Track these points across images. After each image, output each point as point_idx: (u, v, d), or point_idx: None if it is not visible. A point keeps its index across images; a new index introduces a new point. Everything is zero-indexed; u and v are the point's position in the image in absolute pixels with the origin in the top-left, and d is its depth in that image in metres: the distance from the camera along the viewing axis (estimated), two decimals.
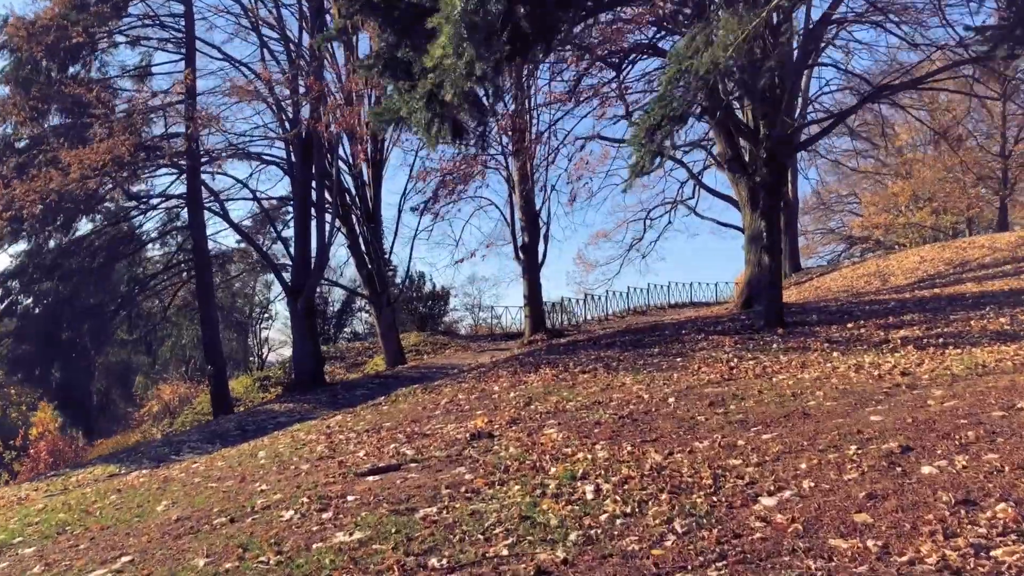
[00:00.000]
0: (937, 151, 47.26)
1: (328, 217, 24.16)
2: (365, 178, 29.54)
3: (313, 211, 23.49)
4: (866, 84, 23.47)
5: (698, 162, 38.92)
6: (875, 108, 33.52)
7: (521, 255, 27.10)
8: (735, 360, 11.66)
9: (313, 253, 22.45)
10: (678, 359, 12.65)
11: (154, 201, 25.51)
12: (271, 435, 13.32)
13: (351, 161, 30.07)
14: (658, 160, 12.51)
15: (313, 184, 23.66)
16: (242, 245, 54.02)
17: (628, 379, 11.34)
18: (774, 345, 12.66)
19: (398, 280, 37.77)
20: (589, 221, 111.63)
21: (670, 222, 39.54)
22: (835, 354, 11.13)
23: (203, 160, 23.93)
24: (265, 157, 25.55)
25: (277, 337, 60.26)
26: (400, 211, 30.40)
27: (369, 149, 27.63)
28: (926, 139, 49.69)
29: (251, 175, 35.89)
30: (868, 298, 19.36)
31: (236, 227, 25.34)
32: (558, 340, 22.80)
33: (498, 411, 10.36)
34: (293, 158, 22.92)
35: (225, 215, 23.99)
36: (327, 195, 24.86)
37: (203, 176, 23.76)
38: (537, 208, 27.96)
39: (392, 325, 30.08)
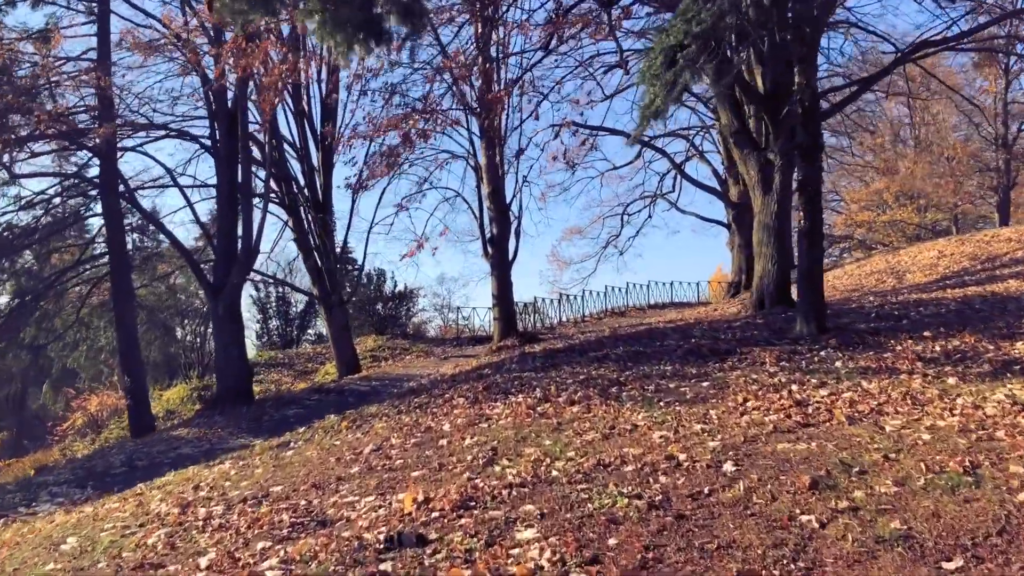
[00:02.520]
0: (921, 146, 44.19)
1: (260, 203, 19.95)
2: (314, 162, 25.40)
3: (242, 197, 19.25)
4: (890, 46, 19.74)
5: (679, 153, 35.36)
6: (859, 104, 30.17)
7: (489, 249, 23.07)
8: (794, 386, 7.76)
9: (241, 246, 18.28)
10: (705, 383, 8.71)
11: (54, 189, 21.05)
12: (121, 495, 9.11)
13: (296, 143, 25.91)
14: (674, 106, 8.69)
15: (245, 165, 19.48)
16: (200, 240, 49.55)
17: (640, 416, 7.38)
18: (837, 363, 8.78)
19: (360, 279, 33.61)
20: (563, 216, 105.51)
21: (650, 216, 35.87)
22: (950, 380, 7.26)
23: (120, 136, 19.63)
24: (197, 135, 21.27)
25: None
26: (354, 201, 26.25)
27: (317, 126, 23.61)
28: (906, 135, 46.76)
29: (189, 160, 31.29)
30: (901, 298, 15.60)
31: (146, 214, 20.97)
32: (532, 347, 18.81)
33: (443, 475, 6.32)
34: (218, 134, 18.77)
35: (133, 200, 19.60)
36: (266, 178, 20.65)
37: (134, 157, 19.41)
38: (508, 200, 24.00)
39: (345, 328, 25.87)
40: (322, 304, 26.02)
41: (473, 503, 5.34)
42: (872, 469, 4.95)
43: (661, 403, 7.91)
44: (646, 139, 33.11)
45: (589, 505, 4.96)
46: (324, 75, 25.40)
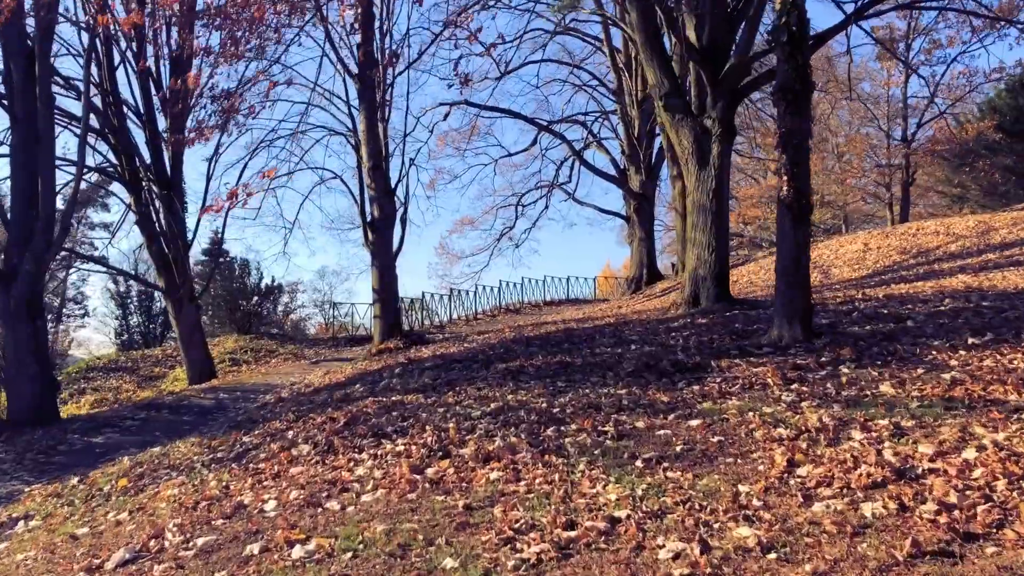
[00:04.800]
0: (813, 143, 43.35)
1: (69, 169, 15.43)
2: (159, 126, 20.92)
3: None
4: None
5: (577, 141, 32.47)
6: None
7: (370, 235, 19.32)
8: (857, 433, 4.59)
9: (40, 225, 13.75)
10: (691, 419, 5.40)
11: None
12: None
13: (139, 106, 21.27)
14: None
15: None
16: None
17: (612, 492, 4.06)
18: (882, 386, 5.70)
19: (214, 270, 29.01)
20: (453, 206, 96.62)
21: (546, 207, 32.87)
22: None
23: None
24: None
25: (95, 337, 49.23)
26: (209, 176, 21.86)
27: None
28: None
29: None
30: (862, 293, 13.01)
31: None
32: (419, 351, 15.25)
33: None
34: (15, 78, 14.17)
35: None
36: (82, 132, 16.10)
37: None
38: (394, 184, 20.32)
39: (196, 327, 21.44)
40: (168, 299, 21.47)
41: None
42: None
43: (636, 460, 4.61)
44: (543, 123, 30.12)
45: None
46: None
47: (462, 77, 15.56)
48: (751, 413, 5.36)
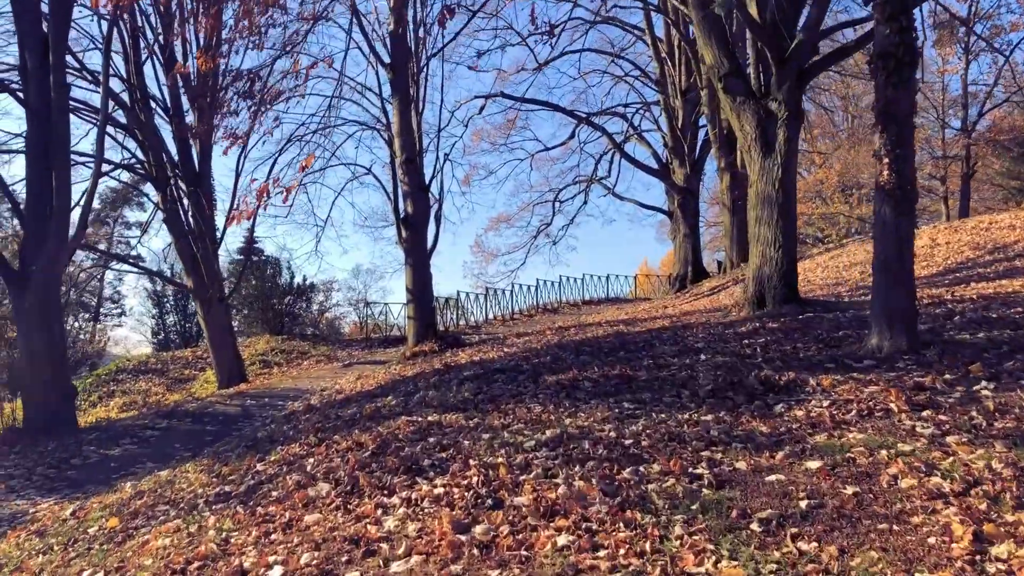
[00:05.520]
0: (858, 134, 41.55)
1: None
2: (188, 120, 20.18)
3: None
4: None
5: (617, 134, 31.12)
6: None
7: (404, 232, 18.32)
8: None
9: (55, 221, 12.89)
10: (811, 460, 4.26)
11: None
12: None
13: (166, 100, 20.55)
14: None
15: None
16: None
17: (727, 572, 2.98)
18: None
19: (245, 269, 28.22)
20: (488, 202, 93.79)
21: (585, 202, 31.65)
22: None
23: None
24: None
25: (132, 336, 49.13)
26: (239, 172, 21.04)
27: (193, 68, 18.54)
28: (840, 122, 44.05)
29: None
30: (952, 295, 11.64)
31: None
32: (455, 356, 14.20)
33: None
34: (29, 65, 13.37)
35: None
36: (102, 119, 15.29)
37: None
38: (428, 180, 19.30)
39: (227, 329, 20.67)
40: (197, 299, 20.74)
41: None
42: None
43: (750, 522, 3.47)
44: (583, 115, 28.90)
45: None
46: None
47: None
48: (884, 452, 4.17)
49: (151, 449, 11.46)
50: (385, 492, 4.55)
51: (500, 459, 4.81)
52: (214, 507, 5.07)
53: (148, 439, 12.16)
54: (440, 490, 4.41)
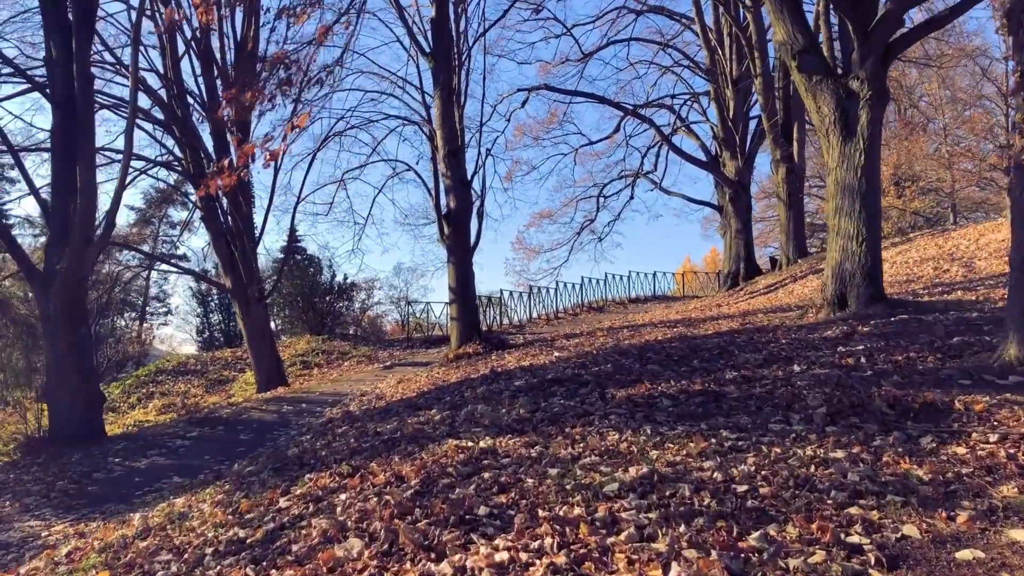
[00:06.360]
0: (915, 123, 39.55)
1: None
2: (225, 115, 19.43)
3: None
4: None
5: (664, 127, 29.79)
6: None
7: (446, 229, 17.33)
8: None
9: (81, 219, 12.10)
10: (988, 512, 3.18)
11: None
12: None
13: (203, 96, 19.90)
14: None
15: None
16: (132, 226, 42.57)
17: None
18: None
19: (283, 268, 27.53)
20: (531, 198, 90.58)
21: (631, 197, 30.37)
22: None
23: None
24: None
25: (177, 335, 49.15)
26: (277, 170, 20.30)
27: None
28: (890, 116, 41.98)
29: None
30: None
31: None
32: (502, 359, 13.17)
33: None
34: (54, 54, 12.63)
35: None
36: (131, 113, 14.52)
37: None
38: (470, 175, 18.31)
39: (265, 331, 19.94)
40: (235, 299, 20.05)
41: None
42: None
43: None
44: (630, 108, 27.65)
45: None
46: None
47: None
48: None
49: (179, 461, 10.63)
50: (432, 555, 3.51)
51: (577, 509, 3.73)
52: (224, 562, 4.08)
53: (177, 450, 11.35)
54: (503, 555, 3.35)
